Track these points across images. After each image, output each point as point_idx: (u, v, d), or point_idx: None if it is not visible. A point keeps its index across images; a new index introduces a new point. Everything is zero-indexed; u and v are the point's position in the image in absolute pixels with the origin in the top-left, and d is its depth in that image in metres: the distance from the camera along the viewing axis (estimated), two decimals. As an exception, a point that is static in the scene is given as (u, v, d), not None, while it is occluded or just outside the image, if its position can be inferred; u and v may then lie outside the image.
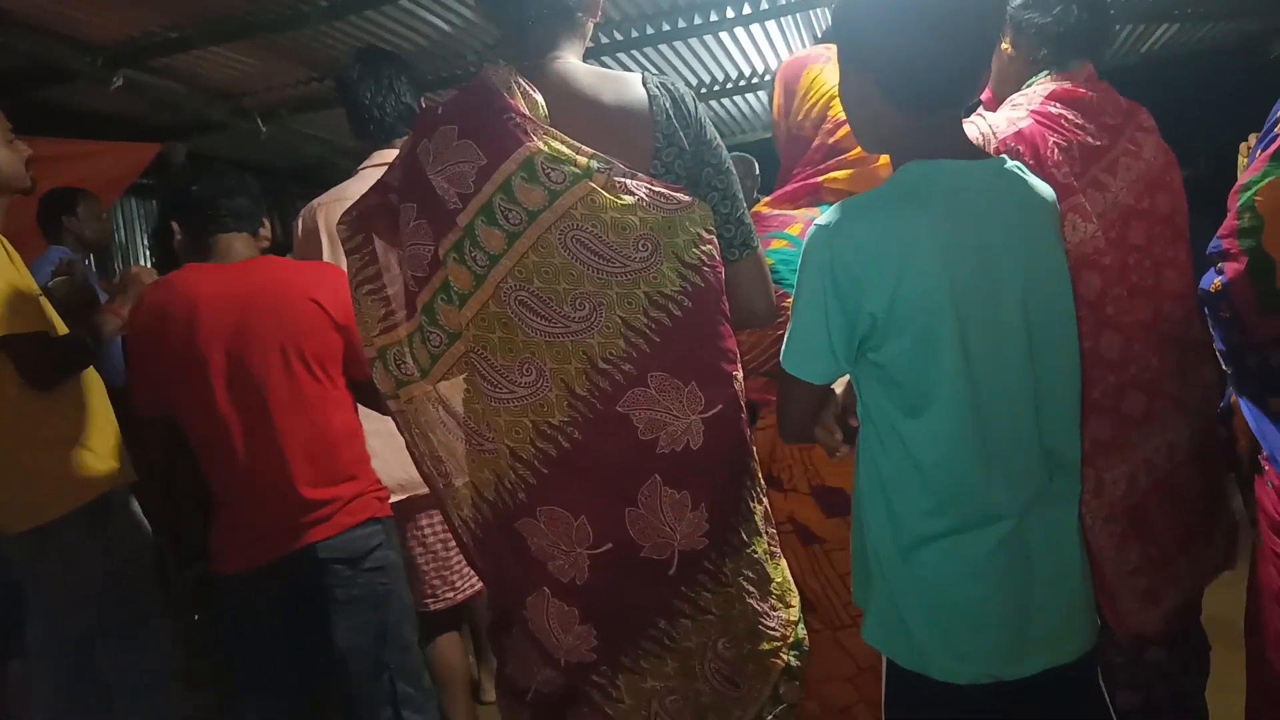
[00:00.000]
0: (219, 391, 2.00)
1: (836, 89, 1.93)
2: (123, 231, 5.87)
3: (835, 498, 1.81)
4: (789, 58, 2.11)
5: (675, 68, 4.65)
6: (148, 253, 5.89)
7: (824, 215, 1.27)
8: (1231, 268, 1.43)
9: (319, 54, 3.96)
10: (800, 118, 1.94)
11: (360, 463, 2.13)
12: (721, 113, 5.81)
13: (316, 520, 2.02)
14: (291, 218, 2.69)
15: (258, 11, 3.53)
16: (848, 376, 1.38)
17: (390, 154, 2.44)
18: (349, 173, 2.56)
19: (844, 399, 1.40)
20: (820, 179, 1.86)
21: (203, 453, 2.07)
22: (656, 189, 1.37)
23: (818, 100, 1.93)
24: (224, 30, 3.64)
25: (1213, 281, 1.48)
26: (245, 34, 3.66)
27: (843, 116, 1.89)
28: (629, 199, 1.34)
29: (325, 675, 2.11)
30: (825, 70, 1.97)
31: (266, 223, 2.20)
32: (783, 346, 1.33)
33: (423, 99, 2.61)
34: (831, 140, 1.88)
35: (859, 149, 1.88)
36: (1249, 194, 1.40)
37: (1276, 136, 1.35)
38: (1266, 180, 1.35)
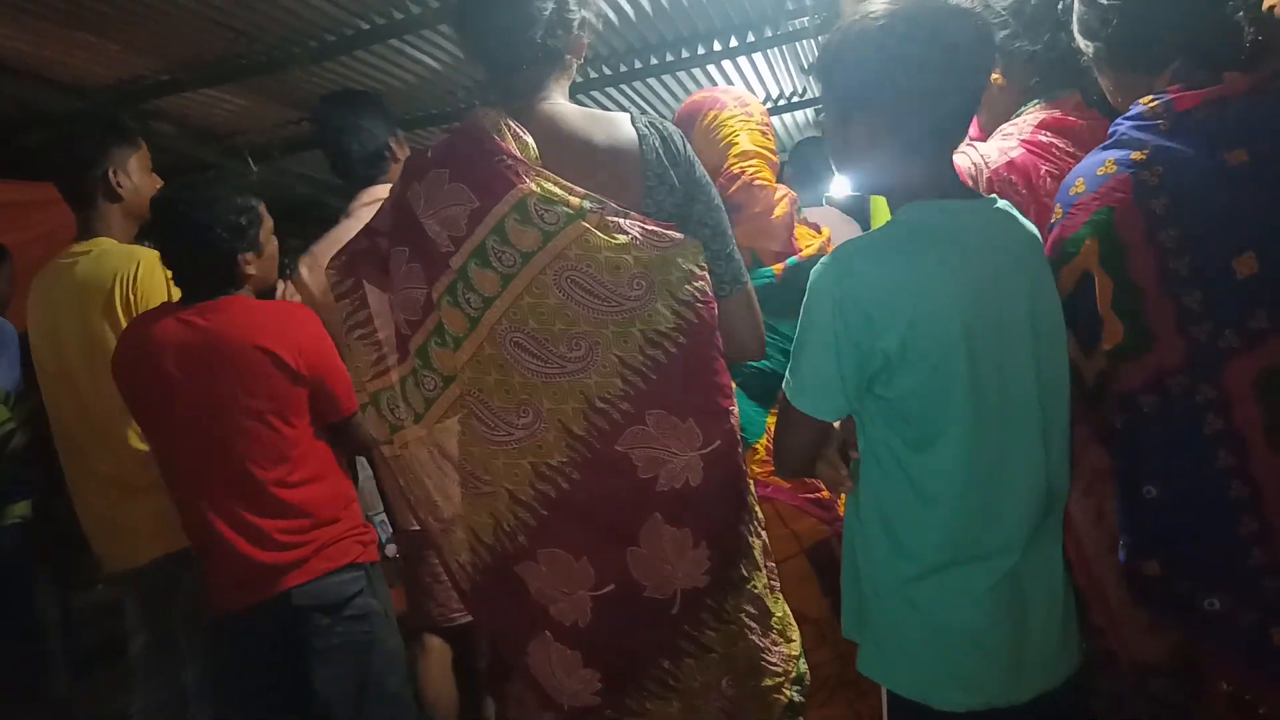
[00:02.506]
0: (179, 437, 1.99)
1: (732, 138, 1.94)
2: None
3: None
4: (689, 98, 2.10)
5: (664, 101, 4.68)
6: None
7: (830, 255, 1.28)
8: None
9: (309, 94, 3.96)
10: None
11: (339, 506, 2.07)
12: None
13: (287, 566, 1.97)
14: (285, 256, 2.68)
15: (247, 54, 3.54)
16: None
17: (379, 190, 2.46)
18: (341, 212, 2.56)
19: (843, 433, 1.40)
20: None
21: (174, 495, 2.07)
22: (649, 227, 1.37)
23: (713, 150, 1.93)
24: (214, 72, 3.65)
25: None
26: (235, 76, 3.67)
27: (735, 169, 1.90)
28: (623, 238, 1.35)
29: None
30: (719, 116, 1.97)
31: (247, 257, 2.08)
32: (788, 384, 1.33)
33: (404, 135, 2.62)
34: (726, 195, 1.85)
35: (756, 205, 1.90)
36: None
37: (1045, 248, 1.39)
38: None
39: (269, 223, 2.17)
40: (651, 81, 4.38)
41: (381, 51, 3.66)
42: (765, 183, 1.94)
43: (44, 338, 2.30)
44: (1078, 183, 1.32)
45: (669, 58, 4.11)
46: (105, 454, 2.20)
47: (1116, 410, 1.28)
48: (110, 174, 2.30)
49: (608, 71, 4.19)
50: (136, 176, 2.37)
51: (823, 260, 1.28)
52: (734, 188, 1.87)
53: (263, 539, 1.96)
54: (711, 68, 4.28)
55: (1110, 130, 1.36)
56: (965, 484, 1.24)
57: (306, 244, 2.59)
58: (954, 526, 1.25)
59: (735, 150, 1.93)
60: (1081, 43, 1.46)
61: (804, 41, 4.08)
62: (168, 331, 1.98)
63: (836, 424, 1.40)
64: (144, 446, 2.14)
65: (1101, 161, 1.30)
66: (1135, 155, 1.27)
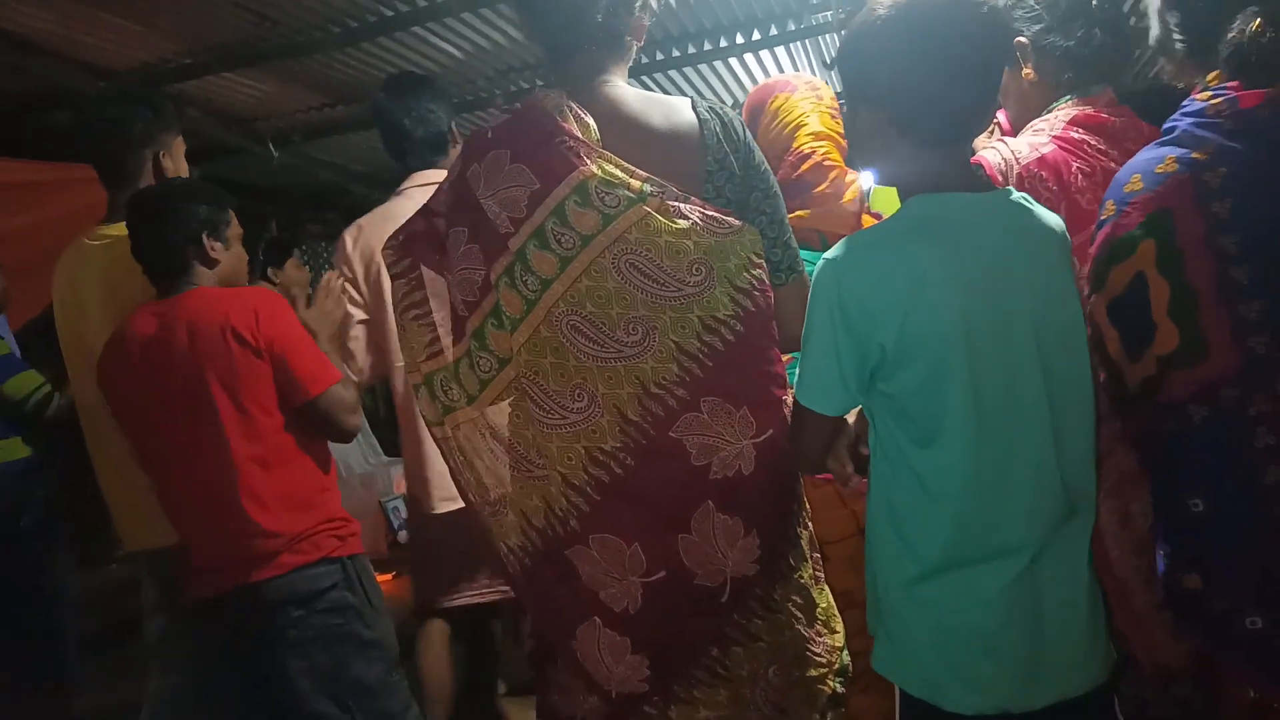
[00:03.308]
0: (154, 433, 2.00)
1: (803, 119, 1.94)
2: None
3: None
4: (759, 84, 2.10)
5: (686, 93, 4.67)
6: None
7: (832, 249, 1.28)
8: (1101, 376, 1.44)
9: (333, 80, 3.97)
10: (764, 146, 1.92)
11: (313, 498, 2.05)
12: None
13: (259, 558, 1.96)
14: (305, 242, 2.68)
15: (271, 37, 3.54)
16: (859, 406, 1.38)
17: (432, 174, 2.46)
18: (364, 198, 2.57)
19: (855, 428, 1.41)
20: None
21: (157, 489, 2.08)
22: (710, 213, 1.37)
23: (781, 131, 1.94)
24: (238, 56, 3.65)
25: None
26: (259, 60, 3.66)
27: (806, 149, 1.90)
28: (683, 223, 1.34)
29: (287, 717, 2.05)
30: (791, 99, 1.97)
31: (211, 241, 2.08)
32: (795, 379, 1.33)
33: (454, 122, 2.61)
34: (795, 175, 1.88)
35: (824, 184, 1.89)
36: (1088, 306, 1.41)
37: (1093, 246, 1.36)
38: (1092, 297, 1.36)
39: (238, 229, 2.18)
40: (674, 74, 4.37)
41: (404, 39, 3.65)
42: (835, 164, 1.94)
43: (72, 315, 2.30)
44: (1134, 179, 1.29)
45: (691, 50, 4.11)
46: None
47: (1163, 418, 1.26)
48: (160, 156, 2.31)
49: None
50: (178, 161, 2.38)
51: (825, 255, 1.28)
52: (805, 166, 1.88)
53: (236, 528, 1.96)
54: (734, 61, 4.28)
55: (1167, 126, 1.34)
56: (969, 480, 1.23)
57: (326, 230, 2.60)
58: (960, 524, 1.24)
59: (806, 130, 1.93)
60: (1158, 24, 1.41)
61: (827, 36, 4.07)
62: (141, 326, 2.00)
63: (850, 419, 1.40)
64: None
65: (1160, 158, 1.27)
66: (1197, 155, 1.24)
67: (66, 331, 2.33)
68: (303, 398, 2.01)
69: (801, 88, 2.00)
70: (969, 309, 1.21)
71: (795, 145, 1.91)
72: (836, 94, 2.10)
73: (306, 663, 2.00)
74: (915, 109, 1.25)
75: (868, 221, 1.99)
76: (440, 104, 2.55)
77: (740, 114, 2.01)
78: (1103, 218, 1.35)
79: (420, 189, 2.41)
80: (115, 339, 2.04)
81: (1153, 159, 1.29)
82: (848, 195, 1.91)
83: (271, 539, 1.96)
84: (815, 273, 1.28)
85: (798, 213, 1.85)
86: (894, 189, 1.37)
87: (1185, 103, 1.33)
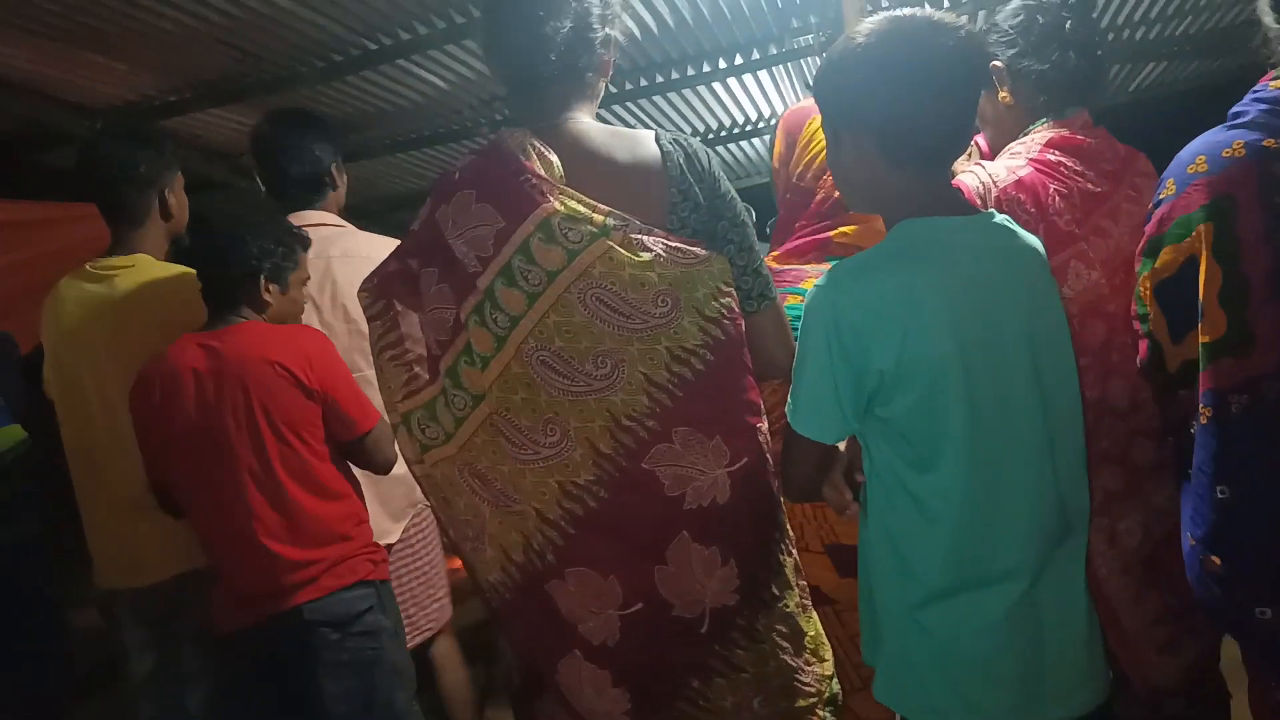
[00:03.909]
0: (196, 462, 2.01)
1: None
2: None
3: (850, 555, 1.79)
4: (792, 106, 2.10)
5: (670, 120, 4.70)
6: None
7: (823, 276, 1.28)
8: (1140, 346, 1.44)
9: (317, 113, 3.99)
10: (800, 168, 1.95)
11: (351, 523, 2.09)
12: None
13: (300, 583, 1.98)
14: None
15: (254, 73, 3.55)
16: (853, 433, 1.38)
17: (308, 215, 2.45)
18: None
19: (849, 455, 1.40)
20: (830, 234, 1.86)
21: (193, 518, 2.08)
22: (673, 244, 1.38)
23: (819, 152, 1.93)
24: (222, 92, 3.66)
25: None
26: (242, 96, 3.67)
27: None
28: (647, 255, 1.35)
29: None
30: None
31: (269, 283, 2.11)
32: (789, 406, 1.33)
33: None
34: (836, 196, 1.88)
35: None
36: (1138, 282, 1.40)
37: (1149, 223, 1.35)
38: (1143, 274, 1.35)
39: (304, 272, 2.20)
40: (658, 100, 4.40)
41: (388, 71, 3.66)
42: None
43: (68, 350, 2.27)
44: (1199, 160, 1.26)
45: (675, 75, 4.13)
46: (122, 471, 2.19)
47: (1203, 404, 1.25)
48: (165, 194, 2.32)
49: (612, 90, 4.21)
50: (180, 196, 2.38)
51: (817, 282, 1.28)
52: None
53: (277, 556, 1.97)
54: (718, 86, 4.30)
55: (1236, 110, 1.31)
56: (968, 502, 1.23)
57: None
58: (959, 547, 1.24)
59: None
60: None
61: (808, 59, 4.10)
62: (186, 356, 2.01)
63: (842, 446, 1.40)
64: None
65: (1228, 142, 1.24)
66: (1267, 143, 1.22)
67: (64, 369, 2.30)
68: (350, 435, 2.07)
69: None
70: (963, 331, 1.21)
71: None
72: None
73: (341, 686, 2.01)
74: (898, 131, 1.26)
75: None
76: (324, 145, 2.53)
77: (780, 132, 2.02)
78: (1161, 196, 1.32)
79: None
80: (154, 368, 2.04)
81: (1220, 142, 1.26)
82: None
83: (312, 566, 1.99)
84: (808, 300, 1.27)
85: (844, 229, 1.85)
86: None
87: (1257, 88, 1.31)
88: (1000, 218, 1.34)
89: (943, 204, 1.31)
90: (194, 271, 2.15)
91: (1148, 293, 1.31)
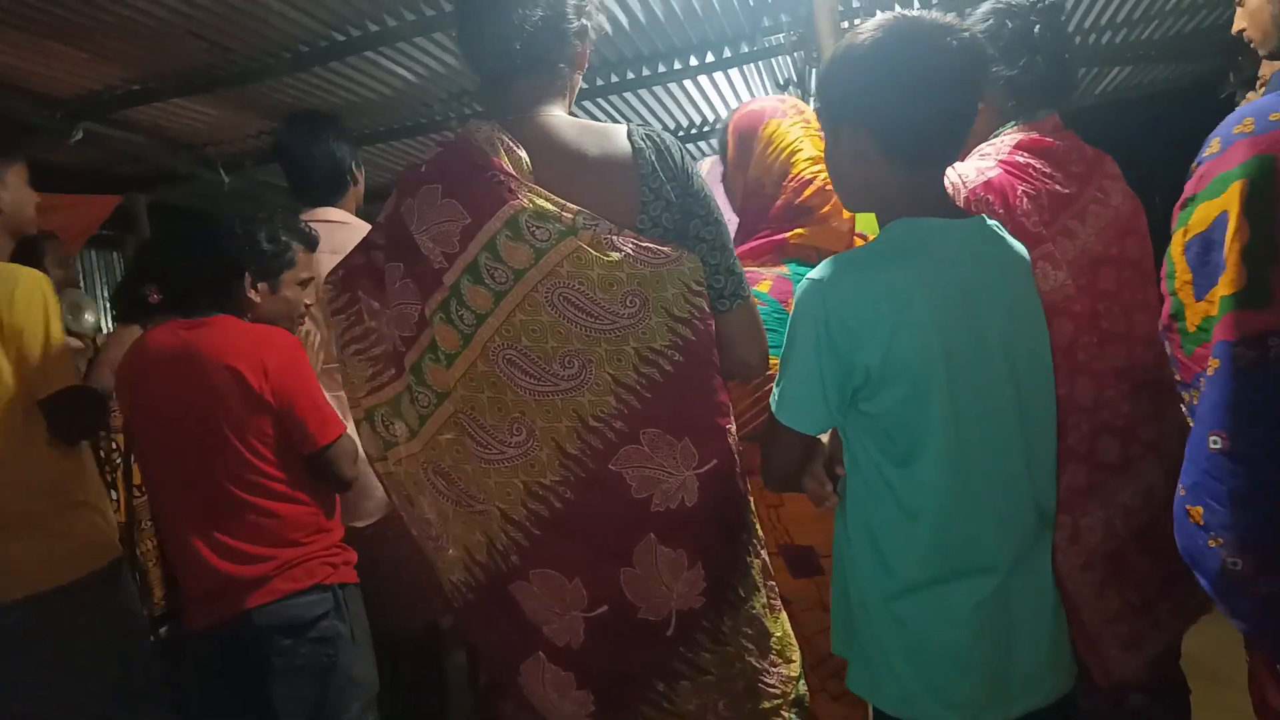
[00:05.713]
0: (153, 455, 1.99)
1: (797, 145, 1.94)
2: (83, 284, 5.76)
3: (804, 556, 1.79)
4: (738, 107, 2.09)
5: (640, 116, 4.69)
6: (107, 306, 5.78)
7: (816, 270, 1.29)
8: (1164, 308, 1.46)
9: (283, 104, 3.92)
10: (759, 173, 1.94)
11: (306, 529, 2.03)
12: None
13: (249, 584, 1.94)
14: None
15: (222, 64, 3.49)
16: (835, 426, 1.38)
17: (328, 212, 2.49)
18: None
19: (831, 448, 1.41)
20: (786, 235, 1.87)
21: (154, 511, 2.08)
22: (643, 244, 1.36)
23: (777, 156, 1.92)
24: (187, 83, 3.60)
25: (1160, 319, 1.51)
26: (208, 87, 3.61)
27: (807, 175, 1.90)
28: (616, 255, 1.34)
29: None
30: (782, 125, 1.96)
31: (255, 281, 2.08)
32: (774, 397, 1.34)
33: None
34: (798, 200, 1.87)
35: (828, 206, 1.89)
36: (1170, 243, 1.43)
37: (1189, 180, 1.37)
38: (1176, 230, 1.38)
39: (302, 274, 2.17)
40: (629, 96, 4.39)
41: (356, 63, 3.62)
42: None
43: None
44: (1246, 121, 1.27)
45: (646, 72, 4.12)
46: None
47: (1213, 355, 1.26)
48: None
49: (584, 85, 4.19)
50: (15, 190, 2.20)
51: (808, 276, 1.29)
52: (809, 191, 1.87)
53: (230, 557, 1.94)
54: (689, 83, 4.30)
55: None
56: (947, 497, 1.26)
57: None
58: (938, 541, 1.26)
59: (802, 155, 1.92)
60: None
61: (779, 58, 4.11)
62: (158, 342, 1.98)
63: (824, 439, 1.41)
64: (26, 479, 2.03)
65: (1276, 106, 1.25)
66: None
67: None
68: (310, 447, 2.02)
69: (789, 112, 1.99)
70: (948, 330, 1.24)
71: (795, 171, 1.90)
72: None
73: (292, 693, 1.97)
74: (899, 129, 1.28)
75: (857, 243, 1.99)
76: (342, 144, 2.58)
77: (731, 134, 2.01)
78: (1204, 154, 1.33)
79: (315, 225, 2.37)
80: (137, 351, 2.02)
81: (1269, 106, 1.27)
82: (845, 215, 1.91)
83: (266, 563, 1.95)
84: (799, 293, 1.28)
85: (799, 230, 1.86)
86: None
87: None
88: (991, 223, 1.37)
89: (936, 205, 1.33)
90: (37, 274, 2.08)
91: (1178, 248, 1.33)
